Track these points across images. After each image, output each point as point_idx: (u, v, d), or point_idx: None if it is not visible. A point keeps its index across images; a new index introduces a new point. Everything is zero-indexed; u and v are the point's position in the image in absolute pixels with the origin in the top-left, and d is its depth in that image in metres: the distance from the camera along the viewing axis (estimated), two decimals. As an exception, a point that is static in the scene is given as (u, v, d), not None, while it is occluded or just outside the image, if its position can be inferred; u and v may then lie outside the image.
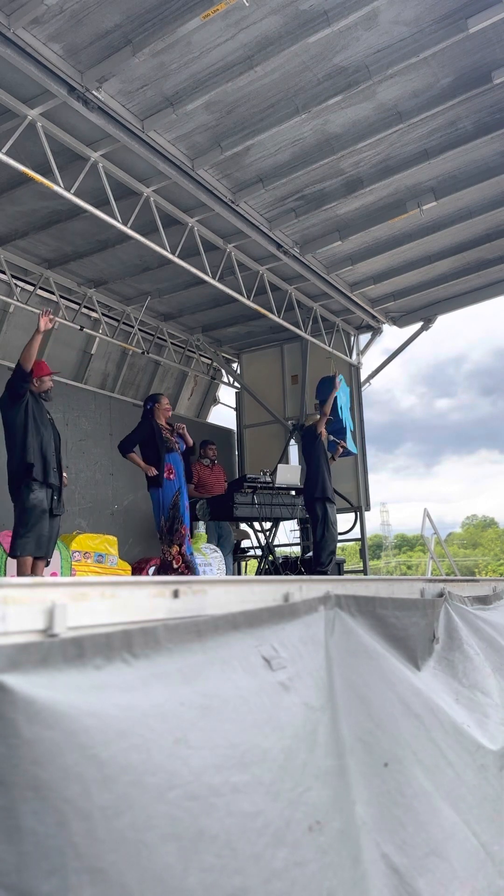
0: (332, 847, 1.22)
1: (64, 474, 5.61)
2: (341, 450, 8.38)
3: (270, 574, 7.91)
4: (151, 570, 8.10)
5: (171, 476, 6.21)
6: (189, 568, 6.18)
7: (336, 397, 9.81)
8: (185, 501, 6.26)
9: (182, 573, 6.10)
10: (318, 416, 8.03)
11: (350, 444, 9.85)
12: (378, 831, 1.37)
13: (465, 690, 2.08)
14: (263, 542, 8.28)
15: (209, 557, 7.86)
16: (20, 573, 5.26)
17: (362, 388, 10.66)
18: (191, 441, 6.63)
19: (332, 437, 8.32)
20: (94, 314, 9.45)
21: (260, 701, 1.25)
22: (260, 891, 1.05)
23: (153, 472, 6.13)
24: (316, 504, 7.60)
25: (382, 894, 1.30)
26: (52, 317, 5.46)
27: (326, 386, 9.96)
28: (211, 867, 1.00)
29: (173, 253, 7.11)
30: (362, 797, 1.38)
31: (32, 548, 5.23)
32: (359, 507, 10.17)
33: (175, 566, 6.10)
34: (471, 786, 1.76)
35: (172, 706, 1.09)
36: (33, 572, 5.24)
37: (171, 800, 0.99)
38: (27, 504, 5.20)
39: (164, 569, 6.14)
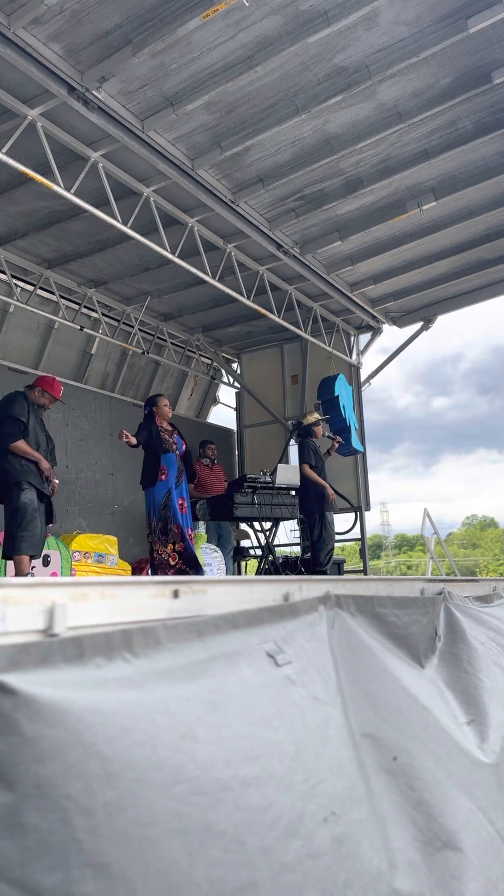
0: (349, 838, 1.21)
1: (55, 481, 5.58)
2: (336, 445, 8.33)
3: (270, 574, 7.91)
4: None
5: (164, 476, 6.22)
6: (190, 563, 6.17)
7: (338, 396, 9.81)
8: (175, 501, 6.22)
9: (182, 570, 6.10)
10: (315, 421, 7.92)
11: (356, 443, 9.85)
12: (391, 827, 1.37)
13: (472, 679, 2.07)
14: (263, 542, 8.27)
15: (209, 557, 7.86)
16: (19, 573, 5.26)
17: (362, 388, 10.67)
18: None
19: (328, 434, 8.28)
20: (94, 314, 9.45)
21: (267, 695, 1.25)
22: (270, 884, 1.05)
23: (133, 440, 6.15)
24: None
25: (402, 888, 1.30)
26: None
27: (327, 387, 9.97)
28: (218, 861, 1.00)
29: (173, 253, 7.12)
30: (373, 793, 1.38)
31: (29, 547, 5.22)
32: (359, 506, 10.16)
33: (172, 563, 6.11)
34: (486, 772, 1.76)
35: (177, 702, 1.08)
36: (23, 570, 5.24)
37: (176, 795, 0.99)
38: (18, 503, 5.20)
39: (163, 568, 6.14)
